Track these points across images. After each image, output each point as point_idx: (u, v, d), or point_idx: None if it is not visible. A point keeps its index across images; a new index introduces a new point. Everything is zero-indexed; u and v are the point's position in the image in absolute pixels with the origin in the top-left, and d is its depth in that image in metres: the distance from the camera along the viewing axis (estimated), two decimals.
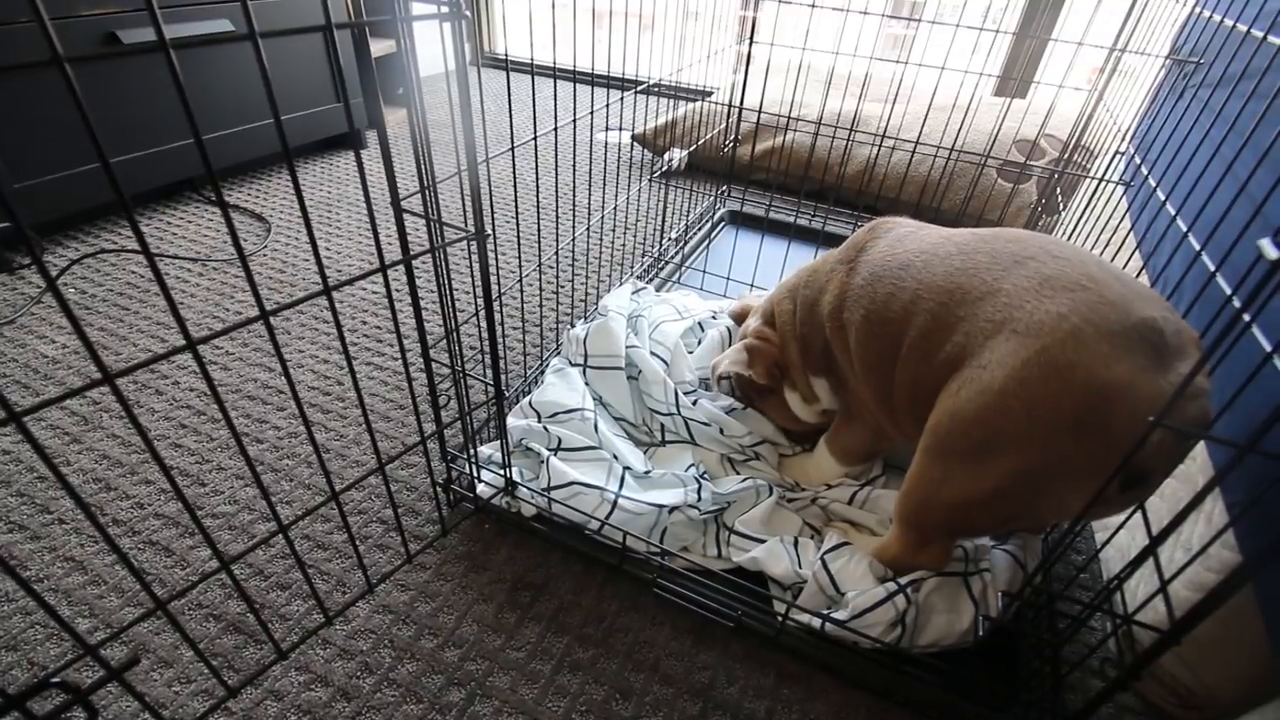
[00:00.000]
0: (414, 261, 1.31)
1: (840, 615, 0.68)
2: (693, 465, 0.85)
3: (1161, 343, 0.49)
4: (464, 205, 0.60)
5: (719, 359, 0.85)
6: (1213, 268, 0.65)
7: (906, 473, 0.65)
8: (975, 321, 0.55)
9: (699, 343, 1.05)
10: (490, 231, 0.66)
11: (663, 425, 0.93)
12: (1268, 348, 0.51)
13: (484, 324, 0.63)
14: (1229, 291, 0.60)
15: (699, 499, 0.78)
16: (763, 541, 0.77)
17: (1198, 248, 0.70)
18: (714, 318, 1.11)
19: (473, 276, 0.67)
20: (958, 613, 0.68)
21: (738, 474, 0.87)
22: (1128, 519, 0.59)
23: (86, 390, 0.36)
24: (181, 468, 0.88)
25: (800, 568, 0.74)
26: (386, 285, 0.50)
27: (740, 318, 0.98)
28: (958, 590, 0.69)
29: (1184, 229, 0.76)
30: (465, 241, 0.56)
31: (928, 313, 0.60)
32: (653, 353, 0.98)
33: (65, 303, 0.34)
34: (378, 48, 2.01)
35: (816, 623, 0.68)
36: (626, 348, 0.96)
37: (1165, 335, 0.49)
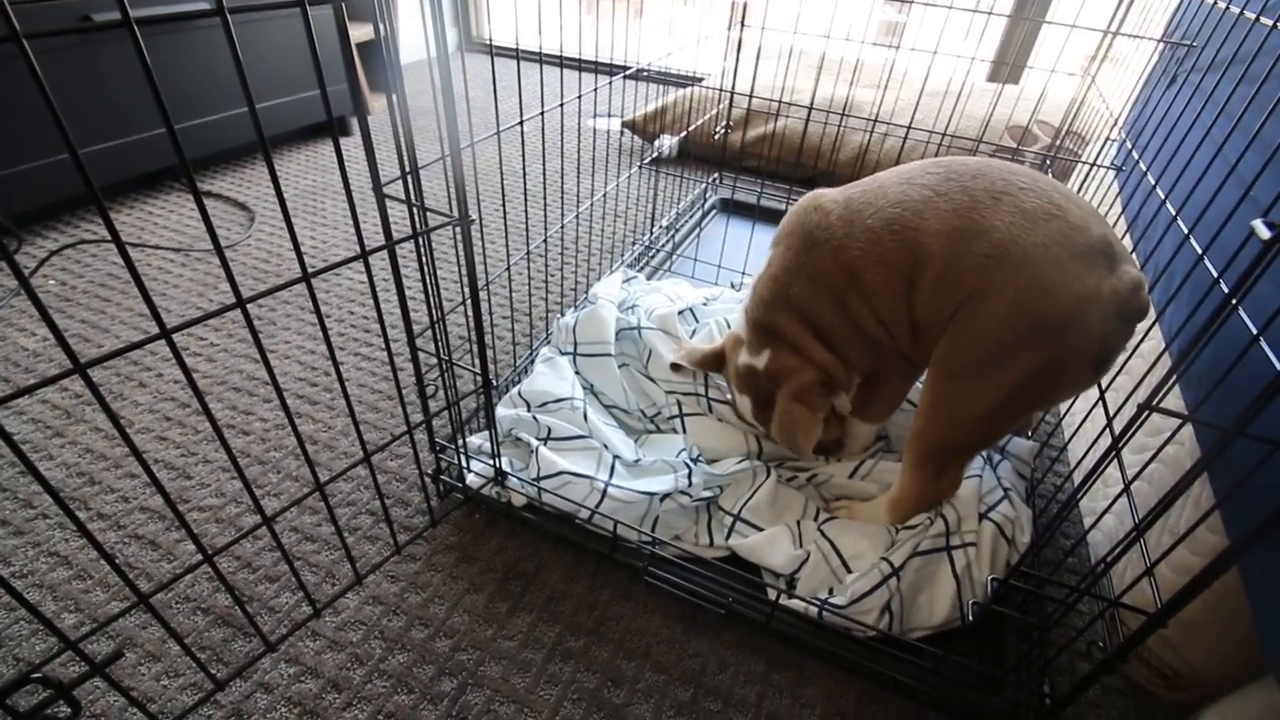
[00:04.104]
0: (399, 249, 1.30)
1: (839, 601, 0.68)
2: (683, 450, 0.85)
3: (1112, 253, 0.62)
4: (449, 191, 0.59)
5: (785, 437, 0.79)
6: (1200, 251, 0.65)
7: (916, 414, 0.71)
8: (976, 257, 0.64)
9: (692, 332, 1.04)
10: (475, 218, 0.65)
11: (679, 401, 0.91)
12: (1254, 330, 0.51)
13: (470, 312, 0.62)
14: (1215, 274, 0.60)
15: (689, 484, 0.78)
16: (765, 529, 0.77)
17: (1186, 231, 0.70)
18: (705, 304, 1.10)
19: (459, 264, 0.66)
20: (938, 588, 0.69)
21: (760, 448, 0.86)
22: (1113, 503, 0.59)
23: (56, 381, 0.35)
24: (166, 460, 0.87)
25: (801, 545, 0.75)
26: (368, 272, 0.49)
27: (716, 362, 0.89)
28: (939, 565, 0.70)
29: (1173, 212, 0.76)
30: (450, 227, 0.55)
31: (936, 256, 0.66)
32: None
33: (35, 294, 0.34)
34: (361, 32, 1.98)
35: (812, 610, 0.69)
36: (635, 328, 0.95)
37: (1113, 245, 0.63)
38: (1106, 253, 0.62)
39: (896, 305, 0.70)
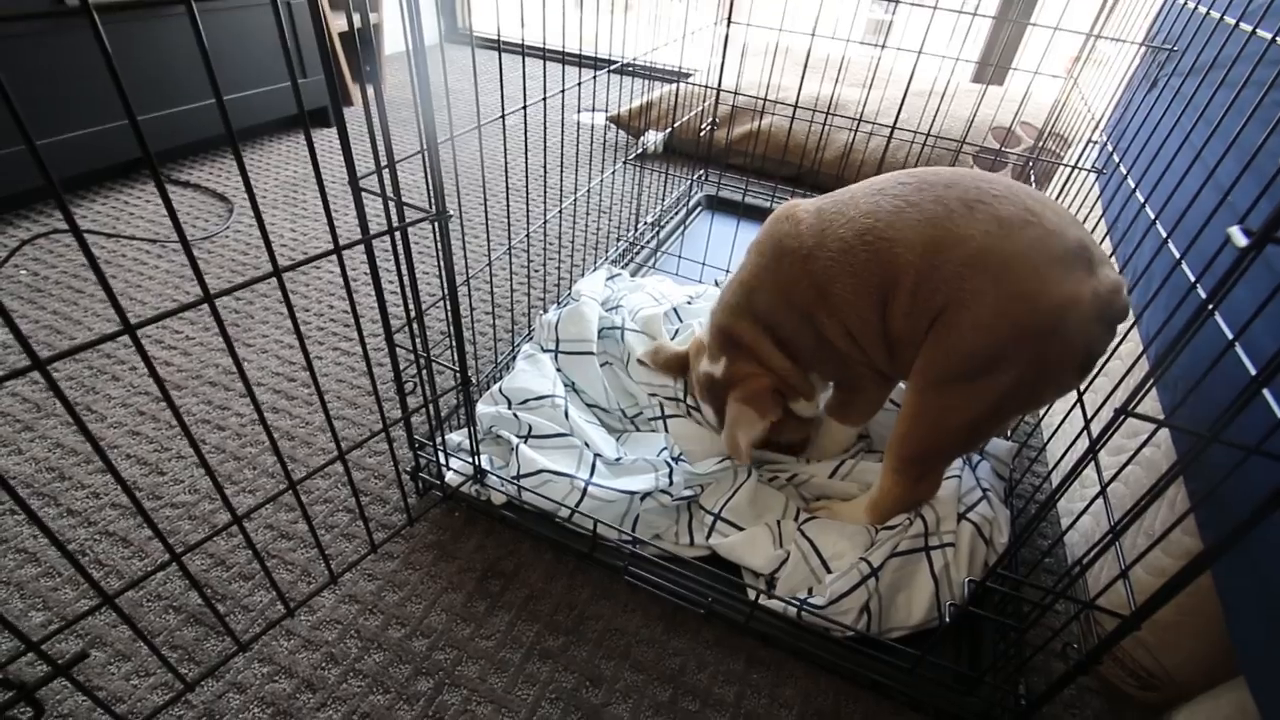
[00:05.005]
0: (379, 243, 1.28)
1: (818, 601, 0.68)
2: (665, 449, 0.85)
3: (1090, 256, 0.62)
4: (427, 186, 0.58)
5: (729, 437, 0.78)
6: (1178, 255, 0.65)
7: (899, 419, 0.70)
8: (953, 267, 0.63)
9: (675, 332, 1.04)
10: (454, 213, 0.63)
11: (662, 404, 0.91)
12: (1230, 335, 0.52)
13: (448, 309, 0.61)
14: (1193, 278, 0.60)
15: (670, 483, 0.77)
16: (745, 529, 0.77)
17: (1165, 234, 0.70)
18: (689, 303, 1.10)
19: (438, 259, 0.65)
20: (916, 588, 0.69)
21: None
22: (1089, 505, 0.60)
23: (12, 379, 0.34)
24: (139, 455, 0.85)
25: (781, 545, 0.74)
26: (342, 267, 0.48)
27: (681, 366, 0.91)
28: (918, 565, 0.70)
29: (1152, 216, 0.76)
30: (427, 223, 0.54)
31: (912, 267, 0.65)
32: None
33: None
34: (345, 21, 1.95)
35: (791, 610, 0.69)
36: (618, 329, 0.95)
37: (1091, 250, 0.62)
38: (1085, 257, 0.61)
39: (868, 318, 0.69)
